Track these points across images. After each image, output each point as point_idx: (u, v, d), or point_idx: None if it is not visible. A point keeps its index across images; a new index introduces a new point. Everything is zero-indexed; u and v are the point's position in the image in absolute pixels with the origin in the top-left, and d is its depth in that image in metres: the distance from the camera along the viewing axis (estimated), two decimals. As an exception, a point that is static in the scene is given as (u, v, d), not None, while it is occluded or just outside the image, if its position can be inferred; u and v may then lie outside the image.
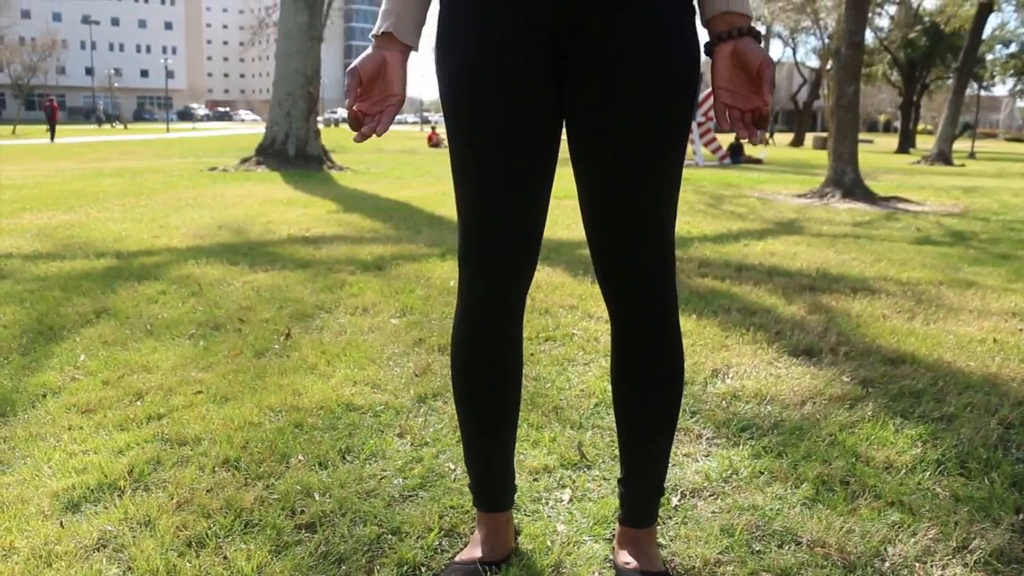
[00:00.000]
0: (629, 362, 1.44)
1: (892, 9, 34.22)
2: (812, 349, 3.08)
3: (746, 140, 1.31)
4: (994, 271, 5.16)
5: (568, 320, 3.41)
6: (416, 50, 1.39)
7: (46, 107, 30.35)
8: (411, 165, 16.04)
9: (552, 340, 3.12)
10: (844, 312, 3.73)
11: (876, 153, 31.86)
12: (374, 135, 1.33)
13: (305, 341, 3.10)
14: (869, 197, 10.13)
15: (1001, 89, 57.36)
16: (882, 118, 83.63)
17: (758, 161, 18.91)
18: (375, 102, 1.34)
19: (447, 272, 4.38)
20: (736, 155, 18.51)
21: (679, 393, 1.46)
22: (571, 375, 2.74)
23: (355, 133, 1.30)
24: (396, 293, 3.89)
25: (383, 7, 1.37)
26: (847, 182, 10.32)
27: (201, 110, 77.02)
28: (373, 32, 1.35)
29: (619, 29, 1.26)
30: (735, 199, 9.73)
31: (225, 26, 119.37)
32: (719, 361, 2.90)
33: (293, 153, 12.70)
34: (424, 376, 2.70)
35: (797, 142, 40.37)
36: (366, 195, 8.86)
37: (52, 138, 28.55)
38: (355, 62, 1.32)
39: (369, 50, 1.34)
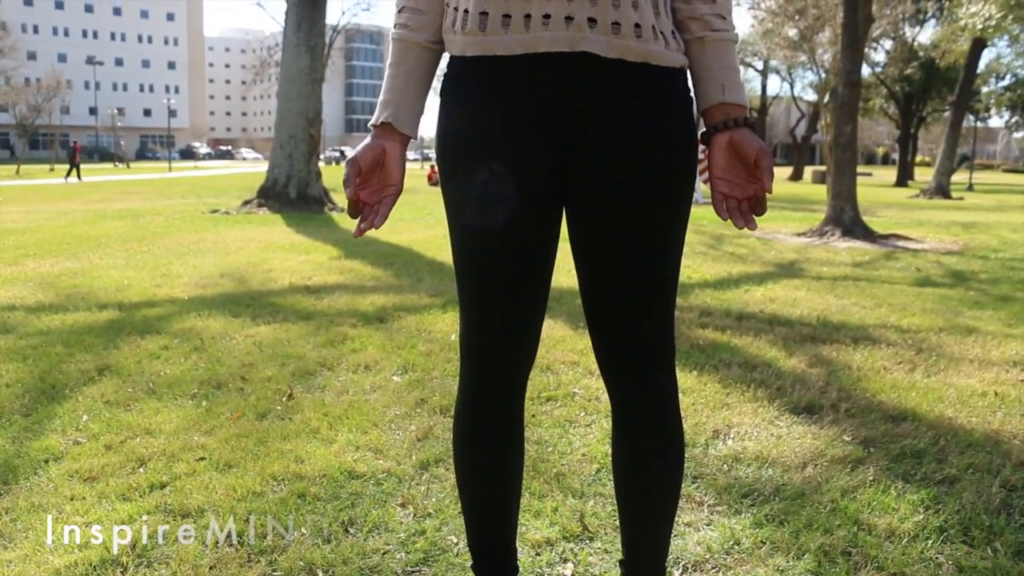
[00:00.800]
0: (629, 447, 1.45)
1: (888, 44, 34.59)
2: (813, 406, 3.08)
3: (743, 228, 1.34)
4: (994, 315, 5.18)
5: (569, 377, 3.42)
6: (415, 139, 1.42)
7: (69, 148, 31.92)
8: (411, 205, 16.11)
9: (553, 400, 3.13)
10: (845, 364, 3.74)
11: (875, 187, 32.05)
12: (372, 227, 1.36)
13: (307, 402, 3.10)
14: (868, 235, 10.18)
15: (997, 121, 57.73)
16: (880, 150, 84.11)
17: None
18: (374, 190, 1.37)
19: (448, 325, 4.39)
20: (735, 192, 18.59)
21: (679, 478, 1.47)
22: (572, 438, 2.75)
23: (356, 225, 1.34)
24: (398, 348, 3.91)
25: (382, 97, 1.40)
26: (846, 220, 10.37)
27: (203, 148, 77.60)
28: (372, 122, 1.39)
29: (620, 121, 1.29)
30: (735, 239, 9.77)
31: (227, 65, 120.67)
32: (720, 421, 2.90)
33: (294, 195, 12.79)
34: (426, 440, 2.70)
35: (796, 176, 40.58)
36: (367, 239, 8.90)
37: (75, 176, 29.52)
38: (355, 152, 1.36)
39: (368, 139, 1.37)
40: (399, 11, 1.41)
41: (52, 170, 40.92)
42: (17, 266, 6.95)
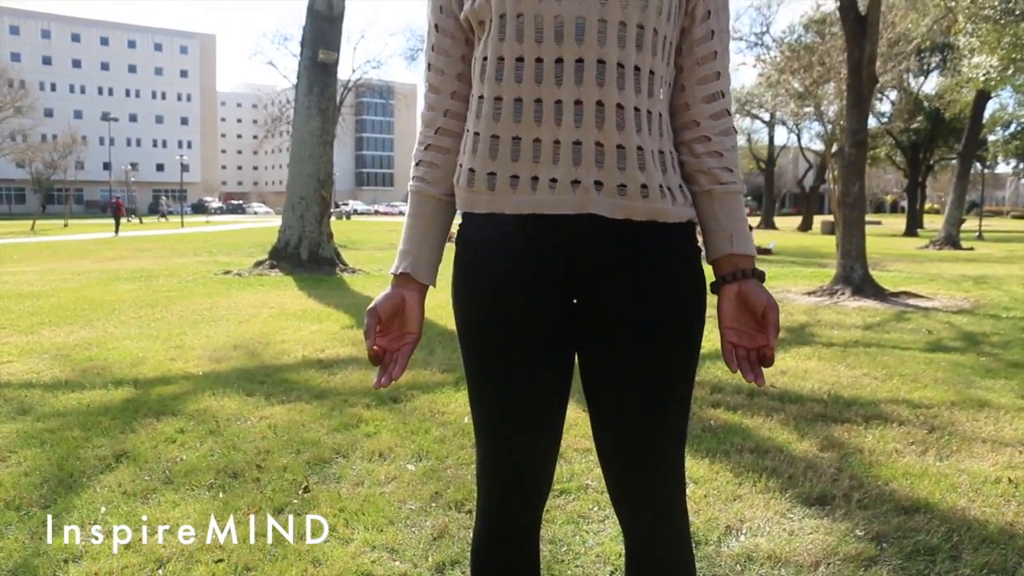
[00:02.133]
0: None
1: (893, 95, 34.94)
2: (825, 496, 3.09)
3: (752, 382, 1.38)
4: (1007, 384, 5.18)
5: (582, 467, 3.44)
6: (434, 286, 1.47)
7: (112, 204, 36.11)
8: (422, 263, 16.21)
9: (567, 493, 3.15)
10: (857, 448, 3.74)
11: (884, 236, 32.10)
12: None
13: (323, 496, 3.13)
14: (879, 294, 10.19)
15: (1004, 168, 57.95)
16: (888, 198, 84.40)
17: (767, 251, 19.08)
18: (393, 338, 1.42)
19: (461, 406, 4.42)
20: (744, 246, 18.67)
21: None
22: (586, 535, 2.76)
23: (376, 376, 1.39)
24: (412, 433, 3.93)
25: (400, 247, 1.46)
26: (856, 279, 10.40)
27: (215, 203, 78.45)
28: (392, 270, 1.44)
29: (628, 277, 1.34)
30: (744, 300, 9.78)
31: (239, 120, 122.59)
32: (732, 515, 2.91)
33: (306, 256, 12.91)
34: (442, 539, 2.72)
35: (805, 226, 40.71)
36: (379, 304, 8.98)
37: (116, 231, 32.34)
38: (374, 301, 1.41)
39: (388, 289, 1.43)
40: (416, 164, 1.48)
41: (66, 225, 41.38)
42: (34, 335, 7.04)
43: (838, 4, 10.55)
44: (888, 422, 4.20)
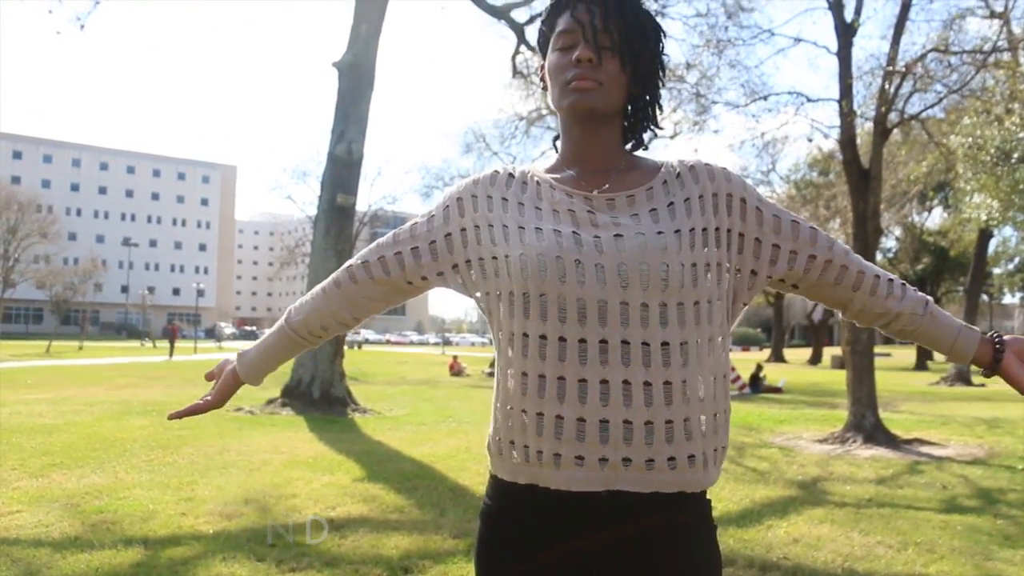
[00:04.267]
0: None
1: (898, 230, 35.58)
2: None
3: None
4: (1024, 555, 5.10)
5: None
6: (247, 383, 1.71)
7: (167, 330, 40.73)
8: (432, 401, 16.24)
9: None
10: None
11: (895, 371, 31.94)
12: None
13: None
14: (891, 441, 10.13)
15: (1011, 299, 58.27)
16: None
17: (777, 390, 19.01)
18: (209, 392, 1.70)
19: (472, 576, 4.39)
20: (756, 385, 18.65)
21: None
22: None
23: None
24: (422, 611, 3.90)
25: (252, 350, 1.70)
26: (868, 426, 10.36)
27: (228, 328, 79.12)
28: (238, 355, 1.68)
29: (654, 545, 1.39)
30: (756, 448, 9.75)
31: (256, 247, 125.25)
32: None
33: (318, 395, 12.97)
34: None
35: (815, 360, 40.63)
36: (389, 453, 8.97)
37: (171, 355, 34.82)
38: (222, 360, 1.66)
39: (227, 363, 1.69)
40: (290, 309, 1.68)
41: (81, 348, 41.69)
42: (44, 478, 7.06)
43: (843, 159, 10.94)
44: (904, 603, 4.13)
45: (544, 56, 1.54)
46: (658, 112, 1.54)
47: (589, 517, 1.38)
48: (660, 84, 1.53)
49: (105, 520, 5.64)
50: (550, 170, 1.55)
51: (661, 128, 1.58)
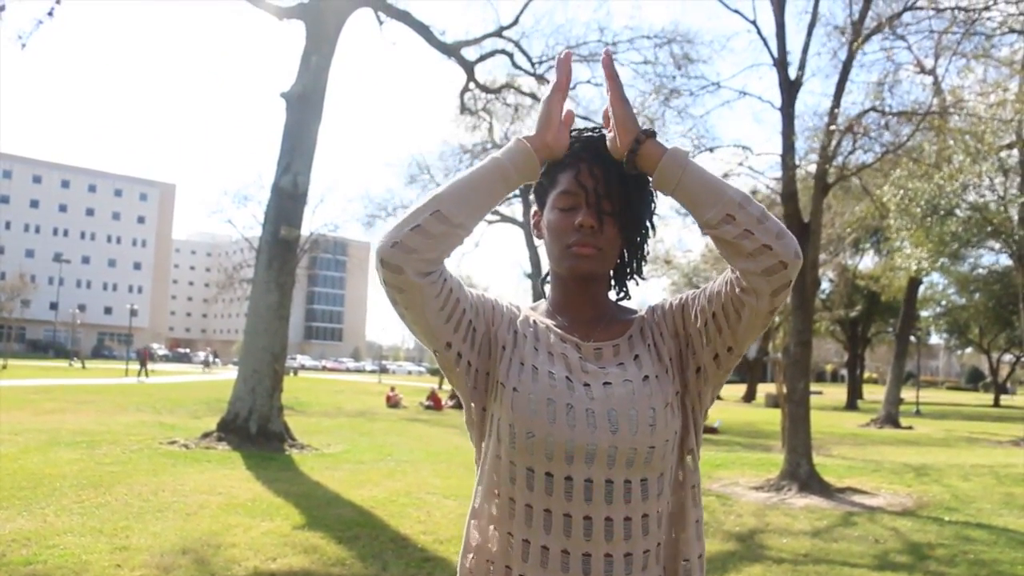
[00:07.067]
0: None
1: (831, 272, 36.63)
2: None
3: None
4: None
5: None
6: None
7: (139, 352, 42.29)
8: (370, 436, 16.08)
9: None
10: None
11: (826, 410, 32.64)
12: None
13: None
14: (825, 490, 10.36)
15: (937, 339, 60.41)
16: (829, 367, 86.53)
17: (714, 430, 19.32)
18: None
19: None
20: (693, 425, 18.88)
21: None
22: None
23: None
24: None
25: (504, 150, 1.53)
26: (802, 475, 10.57)
27: (161, 350, 77.26)
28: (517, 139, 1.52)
29: None
30: (695, 495, 9.85)
31: (192, 267, 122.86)
32: None
33: (255, 430, 12.73)
34: None
35: (749, 396, 41.37)
36: (328, 496, 8.85)
37: (144, 376, 36.78)
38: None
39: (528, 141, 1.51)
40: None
41: (4, 367, 40.19)
42: (-33, 524, 6.78)
43: (784, 212, 11.26)
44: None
45: (540, 205, 1.60)
46: (643, 265, 1.62)
47: None
48: (649, 240, 1.62)
49: (35, 573, 5.45)
50: (542, 314, 1.63)
51: (645, 279, 1.65)
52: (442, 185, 1.46)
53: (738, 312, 1.47)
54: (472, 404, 1.57)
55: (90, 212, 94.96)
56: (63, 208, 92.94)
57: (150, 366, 40.20)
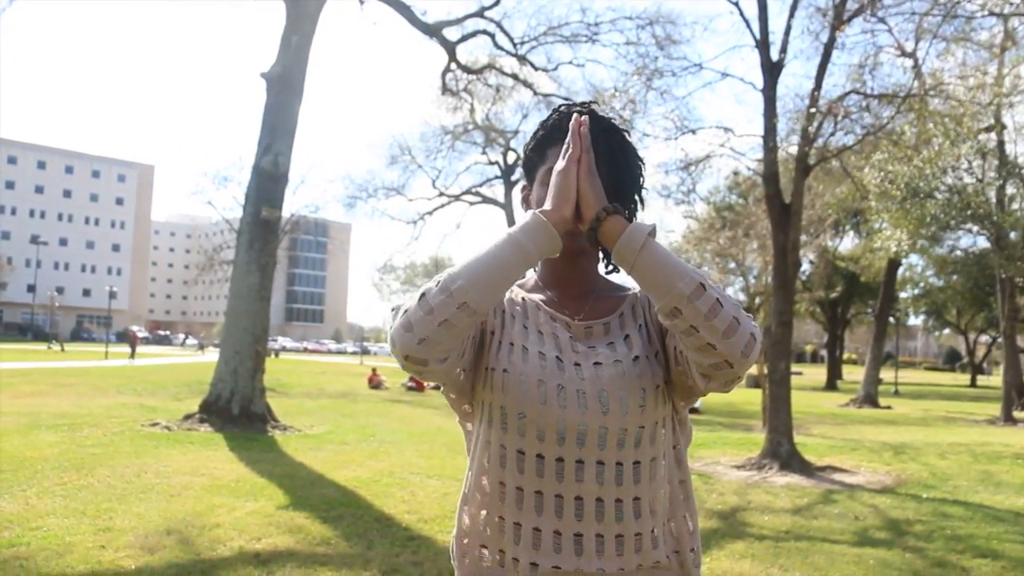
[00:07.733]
0: None
1: (811, 254, 36.86)
2: None
3: None
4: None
5: None
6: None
7: (129, 335, 43.81)
8: (353, 417, 16.07)
9: None
10: None
11: (806, 390, 32.92)
12: None
13: None
14: (805, 469, 10.47)
15: (915, 320, 61.01)
16: (809, 348, 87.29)
17: (695, 410, 19.46)
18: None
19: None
20: (674, 405, 19.03)
21: None
22: None
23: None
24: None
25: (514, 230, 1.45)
26: (783, 453, 10.68)
27: (141, 332, 76.73)
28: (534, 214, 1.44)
29: None
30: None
31: (172, 249, 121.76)
32: None
33: (237, 411, 12.69)
34: None
35: (731, 377, 41.59)
36: (312, 476, 8.85)
37: (132, 357, 38.21)
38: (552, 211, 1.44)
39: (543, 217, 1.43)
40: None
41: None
42: (-52, 506, 6.73)
43: (765, 193, 11.30)
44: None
45: (529, 180, 1.60)
46: None
47: None
48: (639, 215, 1.61)
49: (18, 555, 5.42)
50: (530, 289, 1.62)
51: None
52: (459, 268, 1.39)
53: (695, 374, 1.46)
54: (464, 405, 1.59)
55: (67, 193, 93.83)
56: (39, 189, 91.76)
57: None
